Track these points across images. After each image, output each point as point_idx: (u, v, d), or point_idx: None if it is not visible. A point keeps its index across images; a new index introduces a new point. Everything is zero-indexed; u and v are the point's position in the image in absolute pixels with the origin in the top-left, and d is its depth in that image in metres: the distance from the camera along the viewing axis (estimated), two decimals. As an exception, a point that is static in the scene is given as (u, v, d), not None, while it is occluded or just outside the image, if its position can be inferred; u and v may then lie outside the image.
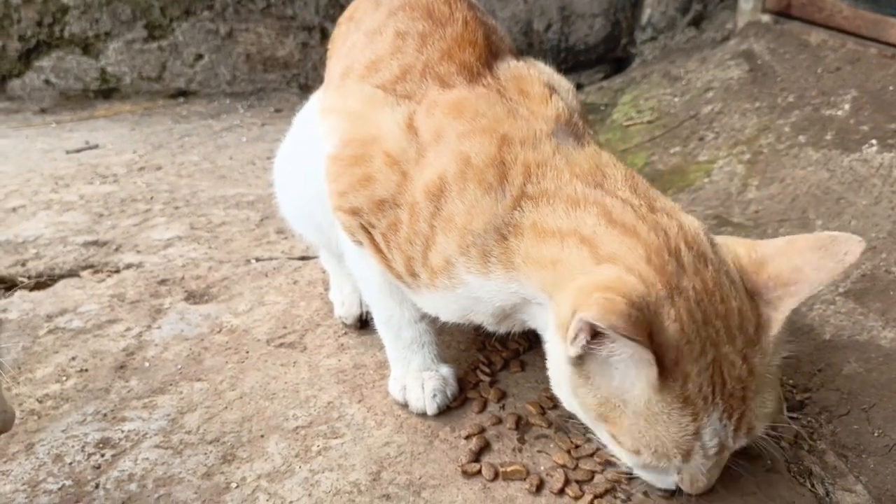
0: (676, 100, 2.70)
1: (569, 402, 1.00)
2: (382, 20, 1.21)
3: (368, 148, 1.11)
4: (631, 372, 0.88)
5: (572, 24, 3.40)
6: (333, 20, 3.28)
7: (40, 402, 1.27)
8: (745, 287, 0.93)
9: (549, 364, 1.03)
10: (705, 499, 1.01)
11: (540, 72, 1.18)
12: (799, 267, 0.90)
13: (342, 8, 1.47)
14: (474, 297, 1.05)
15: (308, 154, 1.30)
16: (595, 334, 0.85)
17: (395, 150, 1.08)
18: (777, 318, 0.90)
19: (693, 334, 0.86)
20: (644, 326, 0.83)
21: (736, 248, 0.96)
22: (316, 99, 1.44)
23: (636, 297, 0.85)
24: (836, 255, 0.88)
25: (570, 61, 3.42)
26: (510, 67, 1.17)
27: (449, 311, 1.12)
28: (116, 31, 3.08)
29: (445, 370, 1.24)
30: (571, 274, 0.93)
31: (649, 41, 3.43)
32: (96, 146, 2.66)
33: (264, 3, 3.14)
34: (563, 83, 1.20)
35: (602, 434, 0.98)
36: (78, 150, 2.60)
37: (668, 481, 0.98)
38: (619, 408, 0.91)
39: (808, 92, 2.23)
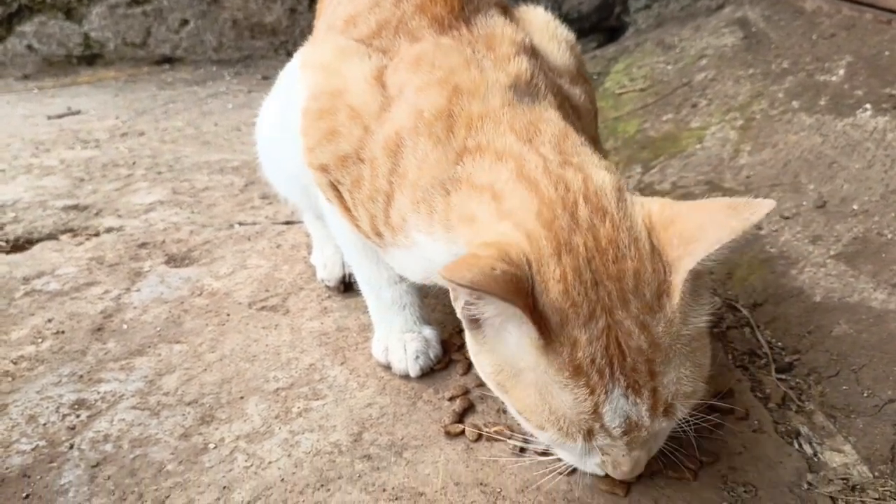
0: (670, 68, 2.66)
1: (479, 372, 0.93)
2: None
3: (335, 101, 1.07)
4: (519, 335, 0.81)
5: (565, -9, 3.34)
6: (321, -16, 3.17)
7: (15, 363, 1.24)
8: (651, 248, 0.83)
9: None
10: (693, 460, 1.00)
11: (519, 28, 1.14)
12: (703, 225, 0.82)
13: (326, -37, 1.43)
14: (428, 258, 1.01)
15: (290, 112, 1.26)
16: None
17: (359, 103, 1.05)
18: (676, 282, 0.81)
19: (580, 296, 0.79)
20: (514, 283, 0.77)
21: (651, 205, 0.88)
22: (293, 61, 1.39)
23: (513, 254, 0.80)
24: (741, 215, 0.79)
25: (562, 30, 3.37)
26: (488, 23, 1.13)
27: (413, 271, 1.09)
28: (99, -5, 3.01)
29: (428, 332, 1.21)
30: (483, 230, 0.88)
31: (643, 10, 3.38)
32: (78, 112, 2.61)
33: (251, -33, 3.08)
34: (561, 32, 1.17)
35: (512, 410, 0.91)
36: (60, 116, 2.55)
37: (591, 463, 0.90)
38: (516, 377, 0.85)
39: (803, 58, 2.19)
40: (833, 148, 1.70)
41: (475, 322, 0.85)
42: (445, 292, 1.13)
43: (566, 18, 3.33)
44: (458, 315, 0.87)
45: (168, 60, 3.17)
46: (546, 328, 0.79)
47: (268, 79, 3.09)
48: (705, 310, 0.84)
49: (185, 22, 3.12)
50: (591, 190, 0.86)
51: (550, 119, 0.96)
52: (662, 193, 1.83)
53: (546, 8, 1.34)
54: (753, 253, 1.47)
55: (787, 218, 1.54)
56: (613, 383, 0.79)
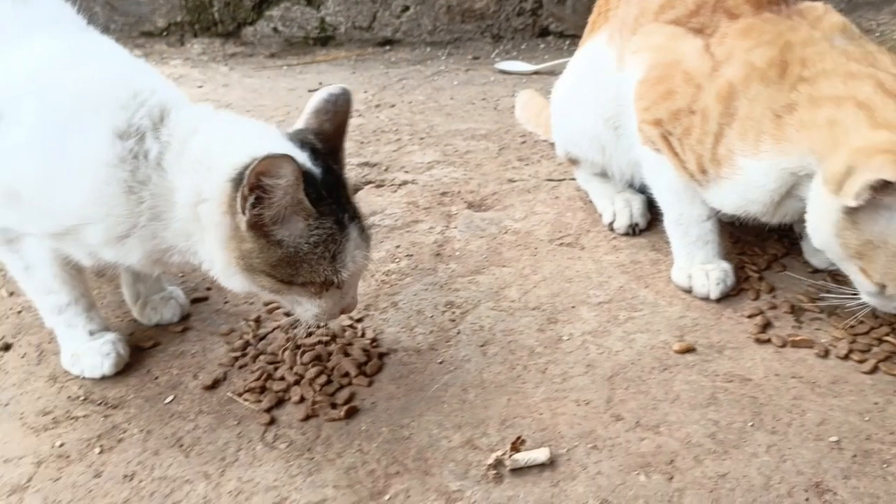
0: (875, 51, 2.78)
1: (826, 242, 1.22)
2: None
3: (670, 69, 1.37)
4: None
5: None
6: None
7: (386, 275, 1.60)
8: None
9: (809, 214, 1.25)
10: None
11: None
12: None
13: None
14: (749, 182, 1.29)
15: (600, 88, 1.57)
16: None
17: (692, 68, 1.35)
18: None
19: None
20: None
21: None
22: (595, 43, 1.67)
23: None
24: None
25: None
26: (797, 3, 1.39)
27: (731, 201, 1.37)
28: (337, -16, 3.43)
29: (726, 265, 1.48)
30: (846, 134, 1.15)
31: (836, -5, 3.47)
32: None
33: (467, -42, 3.41)
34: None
35: (851, 269, 1.21)
36: (316, 89, 2.97)
37: (891, 306, 1.20)
38: (879, 248, 1.13)
39: None
40: None
41: (852, 209, 1.13)
42: (748, 225, 1.40)
43: None
44: (836, 201, 1.15)
45: (389, 42, 3.56)
46: None
47: (478, 59, 3.42)
48: None
49: (406, 8, 3.49)
50: None
51: (881, 50, 1.24)
52: None
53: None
54: None
55: None
56: None
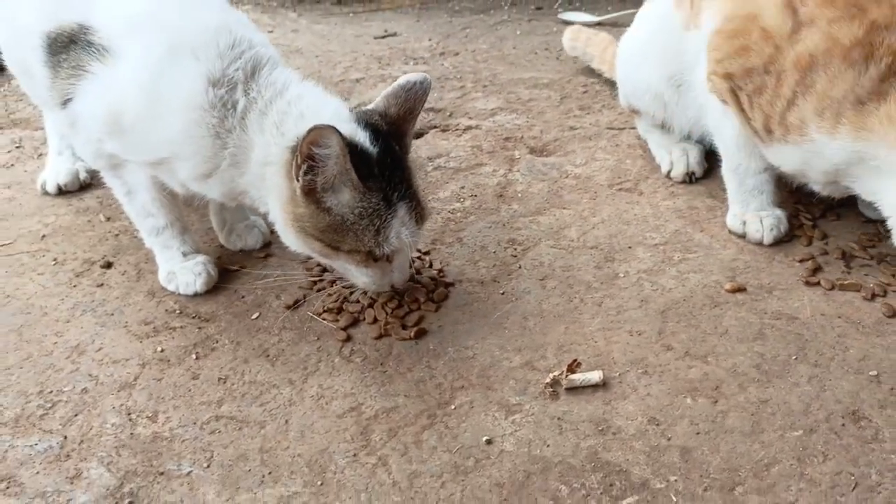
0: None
1: None
2: None
3: (748, 24, 1.38)
4: None
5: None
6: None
7: (451, 213, 1.70)
8: None
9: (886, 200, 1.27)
10: None
11: None
12: None
13: None
14: (816, 153, 1.31)
15: (665, 46, 1.62)
16: None
17: (772, 26, 1.34)
18: None
19: None
20: None
21: None
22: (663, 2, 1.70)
23: None
24: None
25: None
26: None
27: (791, 163, 1.40)
28: (402, -69, 3.46)
29: (779, 212, 1.53)
30: None
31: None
32: (395, 34, 3.09)
33: None
34: None
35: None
36: (383, 37, 3.05)
37: None
38: None
39: None
40: None
41: None
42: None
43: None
44: None
45: (453, -9, 3.60)
46: None
47: (540, 9, 3.43)
48: None
49: (470, -44, 3.51)
50: None
51: None
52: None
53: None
54: None
55: None
56: None
